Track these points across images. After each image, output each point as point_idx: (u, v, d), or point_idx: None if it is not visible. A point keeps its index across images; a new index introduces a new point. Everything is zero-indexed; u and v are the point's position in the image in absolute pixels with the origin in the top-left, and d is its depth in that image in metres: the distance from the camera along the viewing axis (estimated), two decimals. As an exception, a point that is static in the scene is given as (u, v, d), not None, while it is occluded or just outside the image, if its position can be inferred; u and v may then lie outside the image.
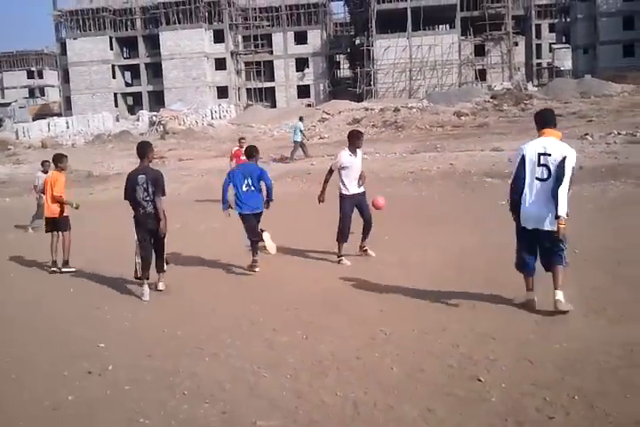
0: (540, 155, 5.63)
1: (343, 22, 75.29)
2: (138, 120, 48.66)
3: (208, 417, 4.29)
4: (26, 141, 42.94)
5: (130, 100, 68.40)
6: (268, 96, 66.23)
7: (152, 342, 5.85)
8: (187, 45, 62.77)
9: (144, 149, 7.28)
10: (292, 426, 4.09)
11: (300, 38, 65.81)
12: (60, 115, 62.53)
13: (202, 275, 8.31)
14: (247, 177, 8.17)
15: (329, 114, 42.16)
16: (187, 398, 4.60)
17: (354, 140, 8.27)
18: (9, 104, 76.66)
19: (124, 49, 69.93)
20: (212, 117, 48.05)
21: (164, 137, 40.32)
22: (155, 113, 48.89)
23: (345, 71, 74.27)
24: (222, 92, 63.78)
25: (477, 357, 4.91)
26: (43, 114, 68.99)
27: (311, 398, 4.47)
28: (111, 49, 66.33)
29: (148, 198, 7.19)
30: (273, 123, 43.83)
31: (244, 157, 12.61)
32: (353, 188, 8.25)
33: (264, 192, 8.30)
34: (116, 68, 66.88)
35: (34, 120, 57.86)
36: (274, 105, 63.63)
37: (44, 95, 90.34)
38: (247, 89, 67.17)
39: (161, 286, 7.57)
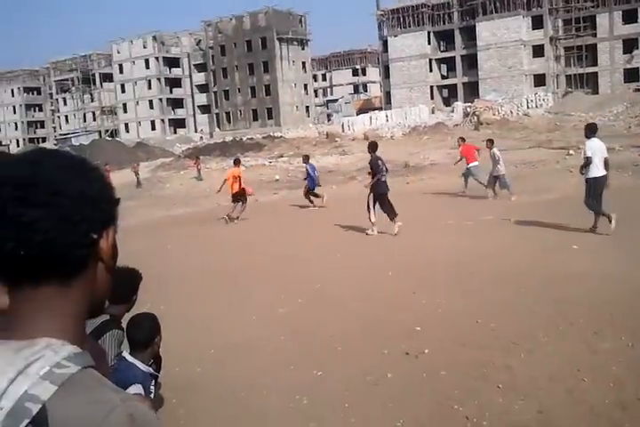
0: None
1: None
2: (452, 112, 49.23)
3: (523, 414, 4.21)
4: (350, 134, 46.48)
5: (445, 93, 69.69)
6: (589, 82, 61.52)
7: (465, 331, 5.92)
8: (503, 34, 61.62)
9: (377, 147, 11.84)
10: (617, 439, 3.80)
11: (630, 17, 59.49)
12: (380, 109, 66.47)
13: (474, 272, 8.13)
14: None
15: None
16: (501, 391, 4.57)
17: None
18: (336, 100, 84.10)
19: (441, 42, 71.35)
20: (528, 107, 46.38)
21: (477, 128, 40.17)
22: (469, 104, 48.97)
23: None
24: (539, 80, 61.22)
25: None
26: (365, 108, 74.24)
27: (638, 412, 4.09)
28: (428, 43, 68.33)
29: (384, 173, 11.54)
30: (594, 110, 40.60)
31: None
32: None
33: None
34: (433, 62, 68.69)
35: (357, 114, 62.40)
36: (596, 91, 58.88)
37: (366, 91, 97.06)
38: (566, 76, 63.28)
39: (396, 228, 11.04)
